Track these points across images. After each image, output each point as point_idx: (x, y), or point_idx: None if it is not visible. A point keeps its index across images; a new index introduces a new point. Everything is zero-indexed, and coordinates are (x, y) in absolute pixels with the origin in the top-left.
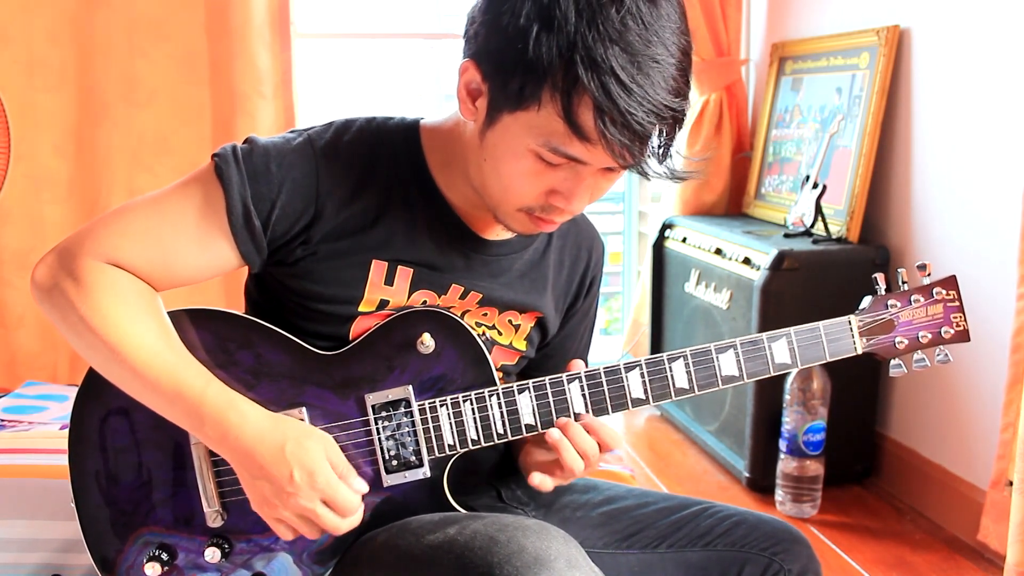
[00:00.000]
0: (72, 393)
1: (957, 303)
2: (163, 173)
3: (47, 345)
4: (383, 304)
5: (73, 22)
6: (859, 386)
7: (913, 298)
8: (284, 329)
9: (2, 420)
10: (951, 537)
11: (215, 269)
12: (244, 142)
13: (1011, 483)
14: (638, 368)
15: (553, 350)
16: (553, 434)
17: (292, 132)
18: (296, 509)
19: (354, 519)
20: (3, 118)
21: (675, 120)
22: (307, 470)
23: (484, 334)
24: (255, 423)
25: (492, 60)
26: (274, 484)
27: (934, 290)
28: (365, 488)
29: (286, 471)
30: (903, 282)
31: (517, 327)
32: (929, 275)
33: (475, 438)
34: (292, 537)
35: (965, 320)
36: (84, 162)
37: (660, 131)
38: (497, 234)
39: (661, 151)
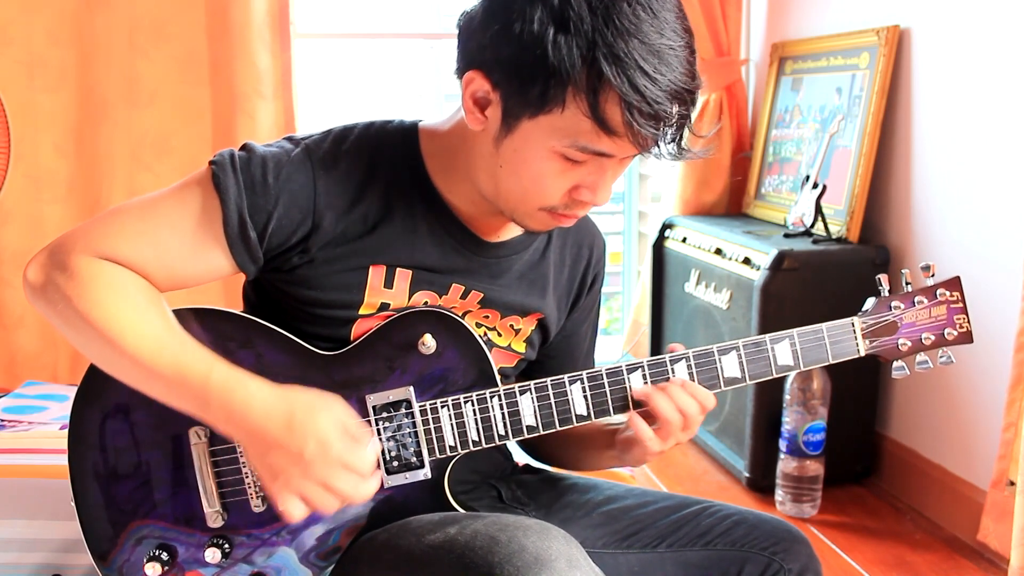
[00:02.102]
0: (72, 393)
1: (961, 304)
2: (163, 173)
3: (47, 345)
4: (384, 307)
5: (73, 22)
6: (859, 386)
7: (916, 299)
8: (284, 331)
9: (2, 420)
10: (951, 537)
11: (209, 275)
12: (241, 149)
13: (1012, 483)
14: (640, 369)
15: (555, 350)
16: (644, 388)
17: (290, 141)
18: (314, 479)
19: (369, 488)
20: (3, 118)
21: (694, 100)
22: (320, 440)
23: (484, 335)
24: (262, 399)
25: (505, 68)
26: (288, 457)
27: (938, 291)
28: (378, 448)
29: (298, 444)
30: (907, 283)
31: (518, 331)
32: (933, 276)
33: (476, 439)
34: (303, 516)
35: (969, 321)
36: (84, 162)
37: (686, 116)
38: (497, 236)
39: (676, 130)
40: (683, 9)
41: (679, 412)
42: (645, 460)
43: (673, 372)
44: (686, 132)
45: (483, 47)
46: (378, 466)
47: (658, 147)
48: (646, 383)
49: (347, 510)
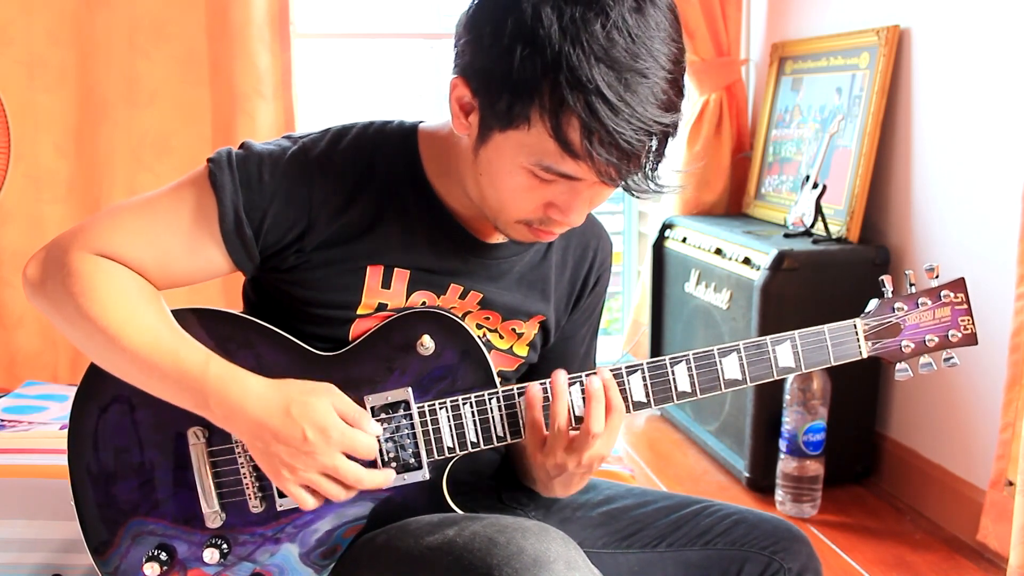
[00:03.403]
0: (72, 393)
1: (965, 306)
2: (164, 173)
3: (47, 345)
4: (381, 307)
5: (73, 22)
6: (859, 386)
7: (920, 301)
8: (283, 331)
9: (2, 420)
10: (951, 537)
11: (206, 273)
12: (240, 147)
13: (1011, 483)
14: (640, 371)
15: (552, 352)
16: (593, 383)
17: (288, 139)
18: (317, 467)
19: (377, 477)
20: (3, 118)
21: (665, 135)
22: (318, 427)
23: (484, 336)
24: (257, 392)
25: (479, 79)
26: (290, 447)
27: (942, 293)
28: (379, 430)
29: (298, 432)
30: (911, 284)
31: (520, 334)
32: (937, 277)
33: (475, 440)
34: (317, 504)
35: (973, 323)
36: (84, 162)
37: (650, 146)
38: (497, 238)
39: (651, 165)
40: (679, 35)
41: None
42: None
43: (673, 374)
44: (662, 165)
45: (463, 54)
46: (381, 461)
47: (624, 180)
48: (645, 384)
49: (347, 510)
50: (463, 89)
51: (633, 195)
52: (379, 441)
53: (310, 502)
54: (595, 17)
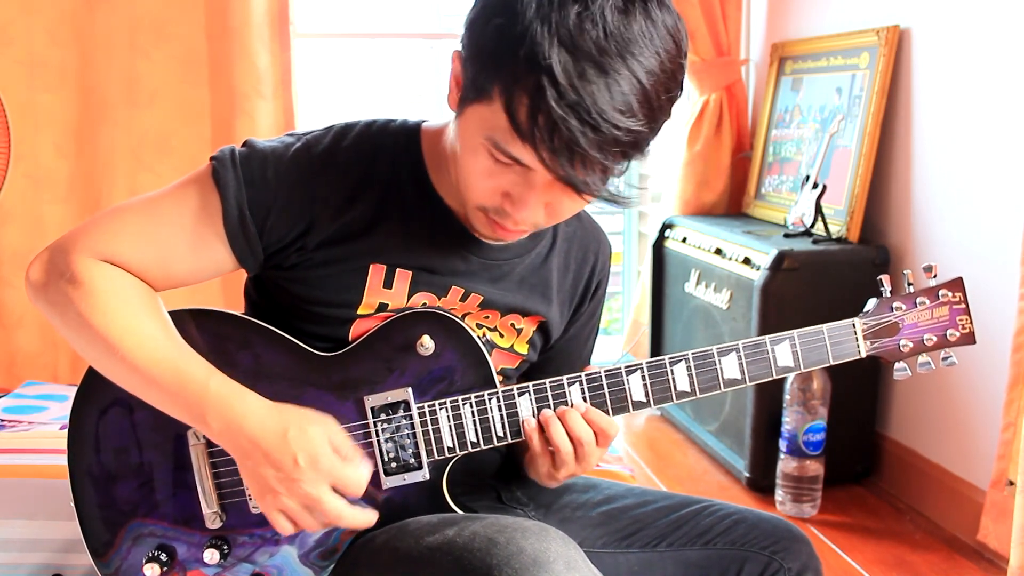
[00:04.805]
0: (72, 393)
1: (963, 305)
2: (164, 173)
3: (47, 345)
4: (382, 307)
5: (74, 22)
6: (859, 386)
7: (918, 300)
8: (283, 330)
9: (2, 420)
10: (951, 537)
11: (210, 271)
12: (243, 145)
13: (1011, 483)
14: (639, 371)
15: (556, 353)
16: (545, 412)
17: (291, 136)
18: (300, 495)
19: (359, 517)
20: (3, 118)
21: (618, 140)
22: (310, 455)
23: (484, 336)
24: (257, 412)
25: (465, 51)
26: (279, 471)
27: (940, 292)
28: (370, 470)
29: (289, 457)
30: (908, 284)
31: (520, 331)
32: (935, 276)
33: (474, 440)
34: (291, 532)
35: (971, 322)
36: (84, 162)
37: (606, 153)
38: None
39: (602, 169)
40: (672, 54)
41: (572, 441)
42: (546, 483)
43: (672, 373)
44: (621, 173)
45: (464, 28)
46: (374, 483)
47: (573, 179)
48: (644, 383)
49: None
50: (456, 63)
51: (581, 195)
52: (379, 443)
53: (286, 528)
54: (574, 3)
